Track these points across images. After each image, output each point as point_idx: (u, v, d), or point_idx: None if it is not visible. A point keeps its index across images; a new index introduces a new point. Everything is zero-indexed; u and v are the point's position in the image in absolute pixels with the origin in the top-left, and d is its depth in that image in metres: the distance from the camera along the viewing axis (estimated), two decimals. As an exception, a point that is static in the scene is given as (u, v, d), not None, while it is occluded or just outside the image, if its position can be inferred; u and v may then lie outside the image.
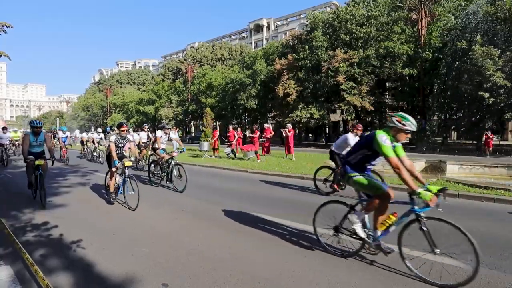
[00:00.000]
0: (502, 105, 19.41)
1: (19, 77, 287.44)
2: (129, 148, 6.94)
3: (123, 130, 6.44)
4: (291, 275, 3.15)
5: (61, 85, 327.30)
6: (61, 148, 15.22)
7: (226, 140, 16.40)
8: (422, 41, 24.10)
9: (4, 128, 13.88)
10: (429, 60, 23.43)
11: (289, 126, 15.29)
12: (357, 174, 3.43)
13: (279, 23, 70.39)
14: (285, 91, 29.85)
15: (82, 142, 17.19)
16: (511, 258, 3.51)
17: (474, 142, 24.26)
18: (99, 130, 17.38)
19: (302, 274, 3.17)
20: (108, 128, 54.49)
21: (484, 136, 19.23)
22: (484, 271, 3.17)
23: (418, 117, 26.72)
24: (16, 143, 18.21)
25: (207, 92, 42.58)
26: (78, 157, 16.57)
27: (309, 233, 4.39)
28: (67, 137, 16.03)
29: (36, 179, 6.20)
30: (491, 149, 18.01)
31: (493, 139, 19.57)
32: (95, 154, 14.98)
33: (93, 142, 15.36)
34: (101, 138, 15.92)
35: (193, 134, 47.71)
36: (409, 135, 3.37)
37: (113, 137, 6.38)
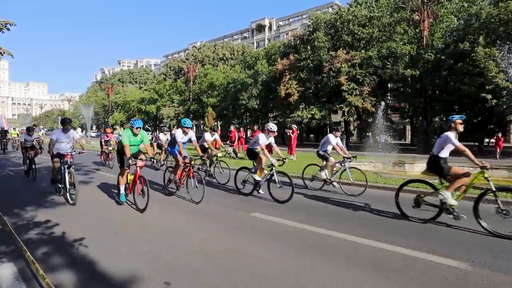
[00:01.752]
0: (504, 107, 19.37)
1: (21, 76, 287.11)
2: None
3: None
4: (294, 273, 3.16)
5: (63, 83, 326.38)
6: (178, 166, 6.97)
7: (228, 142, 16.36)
8: (424, 42, 24.04)
9: (28, 129, 9.67)
10: (431, 61, 23.38)
11: (294, 127, 15.33)
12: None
13: (281, 23, 70.41)
14: (287, 92, 29.85)
15: (160, 146, 11.82)
16: (513, 260, 3.48)
17: (476, 144, 24.22)
18: (165, 128, 14.22)
19: (303, 272, 3.18)
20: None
21: (495, 137, 18.96)
22: (486, 272, 3.18)
23: (420, 118, 26.73)
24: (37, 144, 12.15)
25: (209, 91, 42.63)
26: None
27: (311, 232, 4.41)
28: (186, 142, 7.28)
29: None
30: (499, 150, 17.53)
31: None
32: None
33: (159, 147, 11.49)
34: (168, 140, 11.36)
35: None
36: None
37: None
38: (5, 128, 22.27)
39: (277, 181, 6.43)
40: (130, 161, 5.66)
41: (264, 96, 35.11)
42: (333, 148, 7.51)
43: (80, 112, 74.18)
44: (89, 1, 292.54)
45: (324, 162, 7.55)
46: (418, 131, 27.73)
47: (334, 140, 7.48)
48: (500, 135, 18.50)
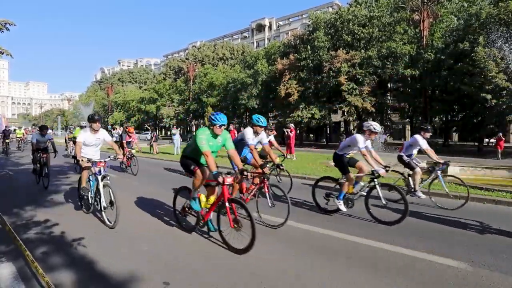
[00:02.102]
0: (504, 107, 19.37)
1: (21, 75, 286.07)
2: None
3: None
4: (294, 273, 3.16)
5: (62, 83, 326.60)
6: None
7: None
8: (424, 42, 24.04)
9: (42, 128, 8.02)
10: (431, 61, 23.38)
11: (291, 126, 15.35)
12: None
13: (281, 23, 70.36)
14: (287, 91, 29.83)
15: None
16: (513, 260, 3.48)
17: (476, 143, 24.23)
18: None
19: (303, 272, 3.17)
20: (109, 127, 54.57)
21: (496, 138, 18.88)
22: (486, 272, 3.18)
23: (420, 118, 26.72)
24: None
25: (209, 91, 42.60)
26: None
27: (311, 232, 4.40)
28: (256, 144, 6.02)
29: None
30: (500, 151, 17.38)
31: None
32: None
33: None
34: None
35: (194, 133, 47.71)
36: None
37: None
38: (8, 128, 21.46)
39: (381, 196, 4.85)
40: (219, 179, 3.59)
41: (264, 96, 35.09)
42: (419, 152, 6.20)
43: (79, 112, 74.14)
44: (89, 1, 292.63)
45: (407, 169, 6.33)
46: (418, 131, 27.69)
47: (423, 142, 6.10)
48: (500, 135, 18.45)
